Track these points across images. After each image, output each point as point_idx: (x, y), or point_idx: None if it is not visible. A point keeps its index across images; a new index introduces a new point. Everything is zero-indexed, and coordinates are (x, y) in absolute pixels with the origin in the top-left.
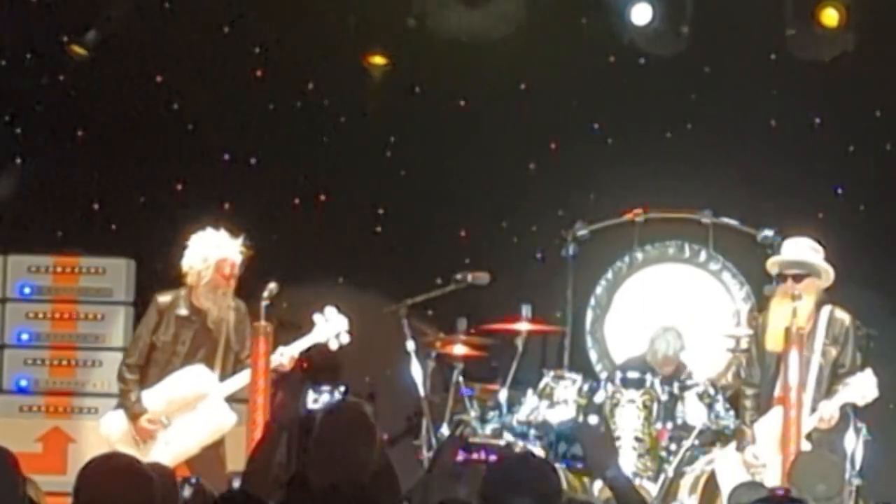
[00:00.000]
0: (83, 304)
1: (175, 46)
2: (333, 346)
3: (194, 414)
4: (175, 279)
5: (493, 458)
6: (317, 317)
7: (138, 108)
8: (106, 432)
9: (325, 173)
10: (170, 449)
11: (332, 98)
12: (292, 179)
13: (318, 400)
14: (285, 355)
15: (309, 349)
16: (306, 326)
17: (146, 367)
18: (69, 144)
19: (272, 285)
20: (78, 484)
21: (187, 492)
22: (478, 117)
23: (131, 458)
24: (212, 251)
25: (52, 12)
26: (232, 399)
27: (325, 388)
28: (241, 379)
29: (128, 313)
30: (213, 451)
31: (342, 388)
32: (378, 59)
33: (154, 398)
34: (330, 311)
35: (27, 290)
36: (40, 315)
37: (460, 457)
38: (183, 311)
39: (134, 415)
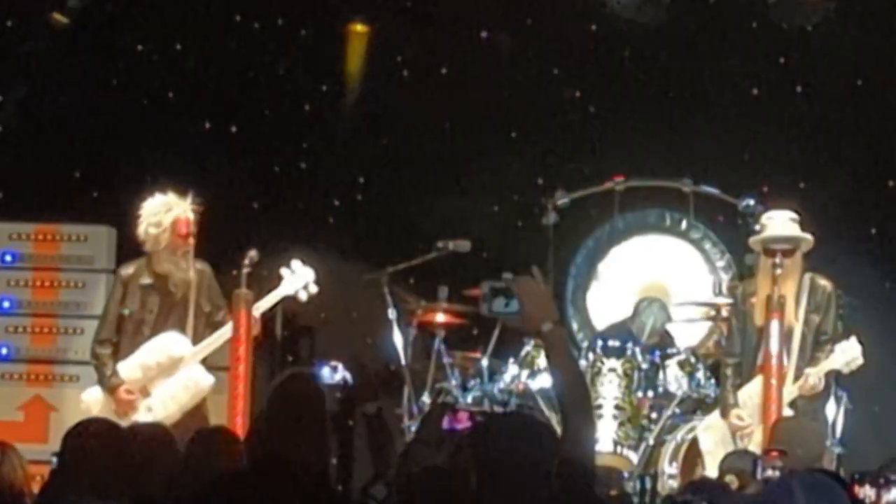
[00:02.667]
0: (64, 271)
1: (156, 15)
2: (303, 297)
3: (172, 379)
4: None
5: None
6: (283, 270)
7: (119, 76)
8: (85, 407)
9: (306, 141)
10: (152, 416)
11: (313, 65)
12: (273, 147)
13: (325, 375)
14: (255, 313)
15: (276, 305)
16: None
17: (118, 340)
18: (50, 112)
19: (252, 253)
20: (62, 448)
21: None
22: (459, 85)
23: (112, 423)
24: (164, 214)
25: None
26: (213, 367)
27: (329, 363)
28: (215, 340)
29: (109, 281)
30: (197, 414)
31: (346, 364)
32: (359, 27)
33: (129, 368)
34: (296, 263)
35: (8, 258)
36: (21, 283)
37: (446, 423)
38: (146, 280)
39: (111, 388)
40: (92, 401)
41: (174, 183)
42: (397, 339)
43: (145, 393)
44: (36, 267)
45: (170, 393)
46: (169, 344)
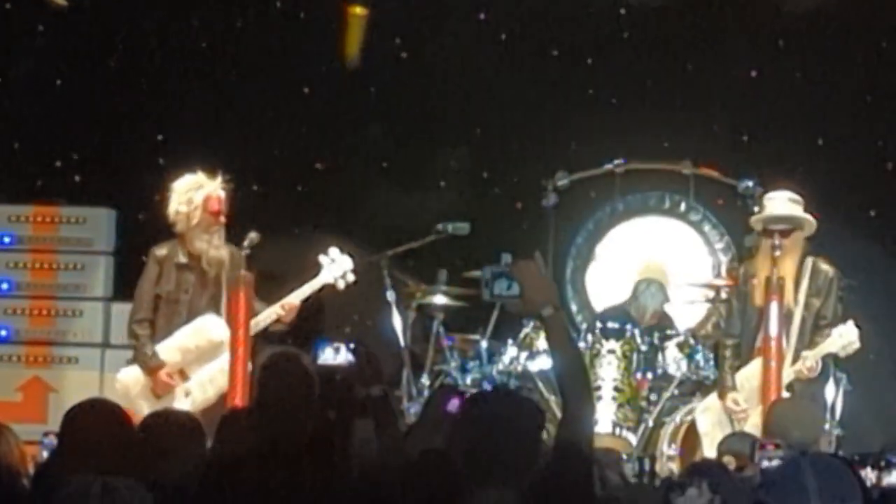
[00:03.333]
0: (63, 253)
1: None
2: (341, 285)
3: (211, 364)
4: (156, 228)
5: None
6: (322, 258)
7: (118, 58)
8: (123, 387)
9: (306, 124)
10: (190, 400)
11: (313, 48)
12: (273, 129)
13: (328, 356)
14: (287, 304)
15: (317, 292)
16: (286, 277)
17: (155, 319)
18: (49, 94)
19: (253, 235)
20: (63, 428)
21: None
22: (458, 68)
23: (114, 404)
24: (195, 192)
25: None
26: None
27: (333, 343)
28: (254, 325)
29: (108, 263)
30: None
31: (351, 344)
32: (358, 9)
33: (168, 351)
34: (334, 251)
35: (7, 240)
36: (20, 264)
37: (453, 406)
38: (181, 259)
39: (151, 369)
40: (130, 381)
41: (174, 166)
42: (396, 321)
43: (184, 376)
44: (34, 249)
45: (208, 377)
46: (208, 327)
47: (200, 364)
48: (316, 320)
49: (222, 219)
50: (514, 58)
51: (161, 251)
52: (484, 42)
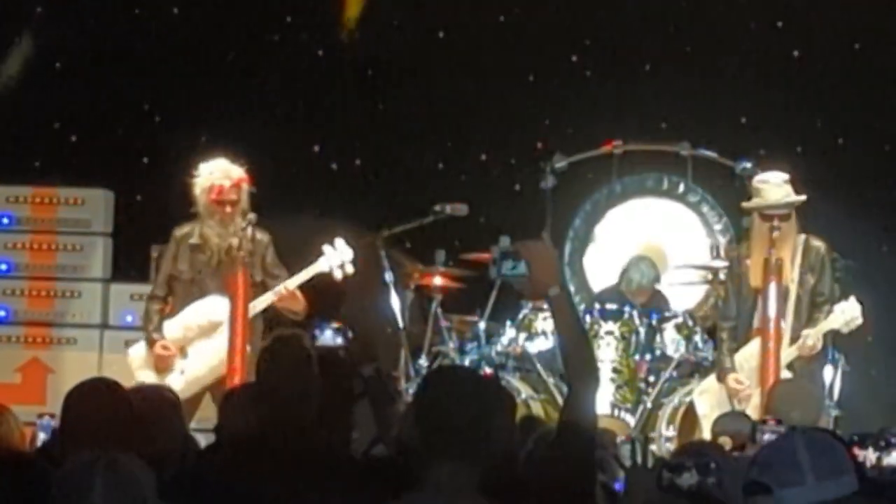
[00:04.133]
0: (62, 234)
1: None
2: (338, 275)
3: (208, 343)
4: (153, 210)
5: None
6: (326, 247)
7: (116, 39)
8: (129, 361)
9: (303, 106)
10: (184, 377)
11: (310, 31)
12: (269, 111)
13: (327, 337)
14: (289, 287)
15: (311, 279)
16: (284, 258)
17: (171, 299)
18: (48, 75)
19: (250, 216)
20: (64, 408)
21: None
22: (456, 50)
23: (115, 383)
24: (205, 178)
25: None
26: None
27: (332, 325)
28: (253, 307)
29: (106, 244)
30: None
31: (349, 327)
32: None
33: (172, 327)
34: (339, 241)
35: (5, 221)
36: (19, 246)
37: None
38: (195, 240)
39: (150, 342)
40: (135, 355)
41: (171, 147)
42: (394, 302)
43: (183, 353)
44: (33, 230)
45: (203, 356)
46: (211, 308)
47: (199, 342)
48: (310, 306)
49: (227, 209)
50: (511, 39)
51: (180, 231)
52: (482, 24)
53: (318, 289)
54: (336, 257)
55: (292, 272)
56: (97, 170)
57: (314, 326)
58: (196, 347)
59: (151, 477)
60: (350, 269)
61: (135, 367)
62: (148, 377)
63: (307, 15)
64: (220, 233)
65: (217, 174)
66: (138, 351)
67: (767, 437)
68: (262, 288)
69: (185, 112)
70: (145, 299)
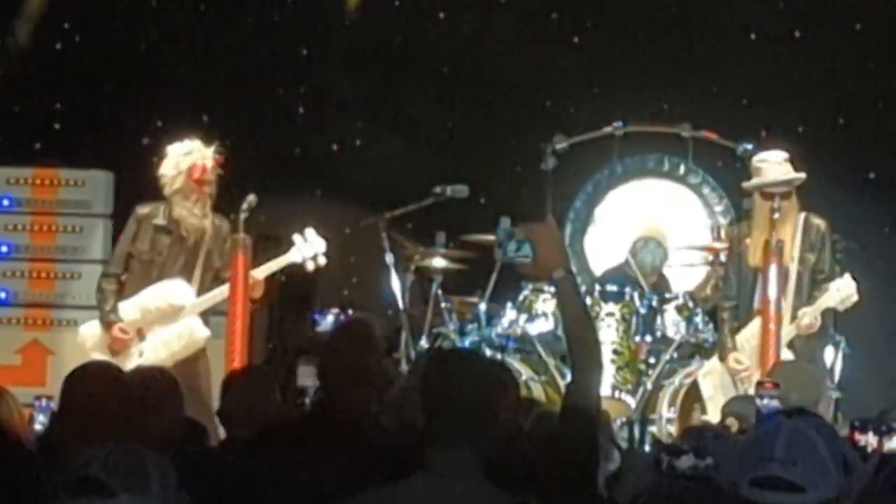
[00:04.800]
0: (62, 216)
1: None
2: (310, 267)
3: (168, 327)
4: (153, 191)
5: None
6: (296, 237)
7: (118, 23)
8: (81, 340)
9: (305, 86)
10: (142, 360)
11: (312, 10)
12: (271, 92)
13: (328, 322)
14: (257, 276)
15: (283, 270)
16: (285, 239)
17: (126, 278)
18: (49, 57)
19: (251, 197)
20: (63, 391)
21: None
22: (456, 31)
23: (113, 366)
24: (182, 158)
25: None
26: (212, 311)
27: (333, 310)
28: (217, 294)
29: (107, 226)
30: (190, 366)
31: (350, 311)
32: None
33: (129, 309)
34: (309, 232)
35: (6, 203)
36: (19, 227)
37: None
38: (160, 221)
39: (108, 323)
40: (88, 334)
41: (171, 128)
42: (395, 284)
43: (141, 336)
44: (34, 211)
45: (163, 340)
46: (172, 291)
47: (158, 326)
48: (311, 288)
49: (206, 189)
50: (513, 21)
51: (143, 210)
52: (483, 5)
53: (316, 272)
54: (308, 248)
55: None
56: (98, 151)
57: (314, 312)
58: (155, 331)
59: (170, 467)
60: (322, 261)
61: (88, 346)
62: (102, 359)
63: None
64: (195, 213)
65: (197, 154)
66: (91, 330)
67: (766, 402)
68: (216, 273)
69: (186, 92)
70: (99, 278)
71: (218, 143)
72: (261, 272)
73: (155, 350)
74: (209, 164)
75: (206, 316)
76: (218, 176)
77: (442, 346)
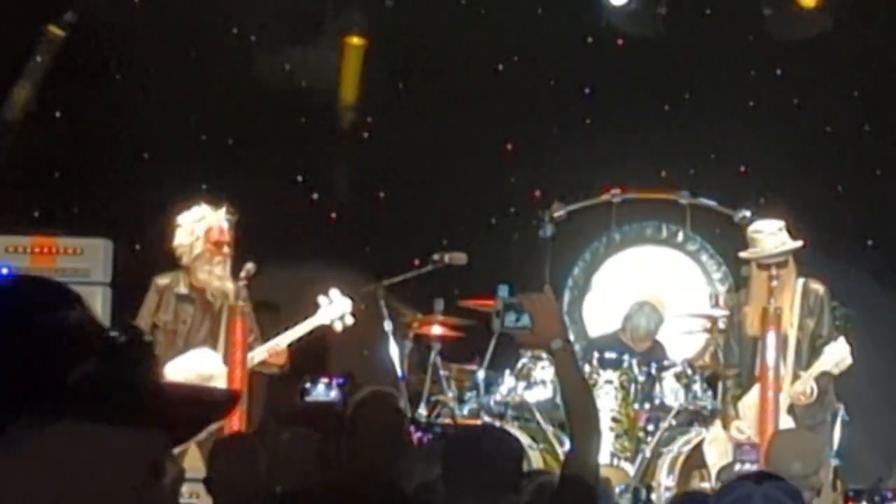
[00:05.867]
0: None
1: (151, 27)
2: (338, 327)
3: None
4: (152, 260)
5: (427, 438)
6: (321, 299)
7: (116, 89)
8: None
9: (303, 154)
10: None
11: (310, 79)
12: (269, 160)
13: (319, 392)
14: (273, 349)
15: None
16: (284, 307)
17: None
18: (47, 125)
19: (249, 265)
20: None
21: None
22: (455, 97)
23: None
24: (197, 223)
25: None
26: None
27: (324, 380)
28: (247, 361)
29: (105, 294)
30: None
31: (340, 381)
32: (356, 40)
33: None
34: (334, 292)
35: (5, 271)
36: None
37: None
38: (182, 290)
39: None
40: None
41: (170, 196)
42: (393, 351)
43: None
44: None
45: None
46: (200, 361)
47: None
48: (309, 355)
49: (226, 249)
50: (510, 87)
51: (163, 280)
52: (481, 72)
53: (314, 338)
54: (335, 309)
55: (291, 323)
56: (96, 219)
57: (305, 381)
58: None
59: None
60: (350, 321)
61: None
62: None
63: (306, 62)
64: (218, 275)
65: (210, 218)
66: None
67: (739, 466)
68: None
69: (185, 162)
70: None
71: (227, 205)
72: (287, 339)
73: None
74: (224, 225)
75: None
76: (234, 237)
77: (458, 424)
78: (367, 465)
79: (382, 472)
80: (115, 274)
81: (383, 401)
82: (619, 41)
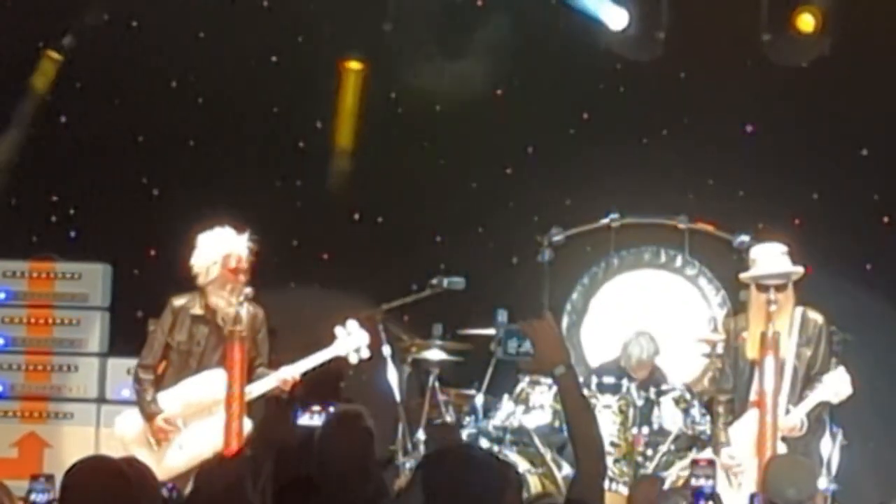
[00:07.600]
0: (59, 308)
1: (150, 52)
2: (353, 360)
3: (210, 419)
4: (150, 284)
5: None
6: (338, 330)
7: (115, 113)
8: (120, 432)
9: (302, 178)
10: (183, 453)
11: (308, 102)
12: (268, 184)
13: (311, 419)
14: (284, 379)
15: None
16: (281, 332)
17: (164, 368)
18: (45, 148)
19: (247, 290)
20: (63, 486)
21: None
22: (454, 122)
23: (114, 461)
24: (217, 247)
25: (28, 18)
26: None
27: (316, 408)
28: (260, 387)
29: (104, 318)
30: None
31: (332, 409)
32: (354, 64)
33: (170, 400)
34: (352, 324)
35: (2, 296)
36: (16, 320)
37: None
38: (197, 311)
39: (149, 415)
40: (127, 427)
41: (167, 221)
42: (392, 376)
43: (181, 427)
44: (30, 304)
45: (205, 433)
46: (214, 383)
47: (200, 418)
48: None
49: (242, 277)
50: (509, 112)
51: (179, 301)
52: (480, 95)
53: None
54: (351, 341)
55: (290, 347)
56: (94, 244)
57: (295, 408)
58: (196, 423)
59: None
60: (366, 354)
61: (128, 440)
62: (145, 451)
63: (305, 86)
64: (231, 301)
65: (234, 243)
66: (129, 422)
67: (701, 481)
68: (252, 363)
69: (184, 186)
70: (136, 368)
71: (250, 232)
72: (300, 368)
73: (197, 443)
74: (244, 253)
75: (249, 407)
76: (251, 264)
77: (446, 441)
78: (335, 487)
79: (351, 492)
80: (113, 298)
81: (351, 421)
82: (618, 66)
